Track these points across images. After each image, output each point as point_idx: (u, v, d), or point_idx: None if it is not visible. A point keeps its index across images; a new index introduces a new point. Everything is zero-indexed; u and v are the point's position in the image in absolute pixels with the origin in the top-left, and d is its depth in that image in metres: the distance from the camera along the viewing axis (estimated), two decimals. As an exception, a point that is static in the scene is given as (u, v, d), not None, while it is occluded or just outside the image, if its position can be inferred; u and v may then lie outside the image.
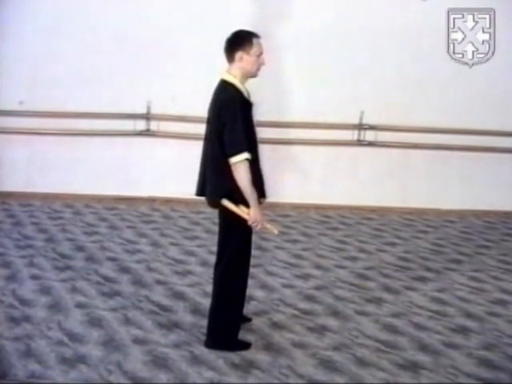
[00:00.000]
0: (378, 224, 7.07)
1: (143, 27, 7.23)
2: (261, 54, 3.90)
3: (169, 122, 7.45)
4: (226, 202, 3.83)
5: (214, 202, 3.98)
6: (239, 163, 3.75)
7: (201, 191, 4.03)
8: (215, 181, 3.90)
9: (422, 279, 5.41)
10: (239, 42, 3.86)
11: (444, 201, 7.61)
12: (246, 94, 3.91)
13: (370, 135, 7.51)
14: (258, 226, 3.85)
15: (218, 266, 4.06)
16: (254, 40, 3.87)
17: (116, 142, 7.52)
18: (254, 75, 3.94)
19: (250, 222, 3.83)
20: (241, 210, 3.83)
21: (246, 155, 3.74)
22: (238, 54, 3.84)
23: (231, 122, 3.76)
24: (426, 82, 7.37)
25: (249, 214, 3.81)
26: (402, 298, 4.99)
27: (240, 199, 3.83)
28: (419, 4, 7.21)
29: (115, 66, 7.37)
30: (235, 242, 3.96)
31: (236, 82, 3.87)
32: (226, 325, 4.01)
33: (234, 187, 3.81)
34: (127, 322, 4.35)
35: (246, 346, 4.05)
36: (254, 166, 3.91)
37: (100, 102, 7.33)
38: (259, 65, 3.91)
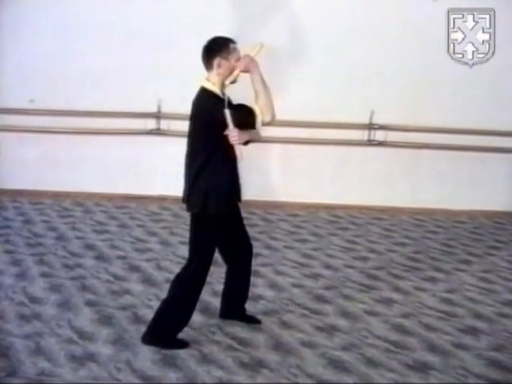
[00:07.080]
0: (388, 224, 7.05)
1: (154, 26, 7.22)
2: (239, 59, 3.83)
3: (179, 120, 7.42)
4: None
5: (192, 209, 3.94)
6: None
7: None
8: (192, 189, 3.88)
9: (432, 280, 5.40)
10: (216, 48, 3.81)
11: (454, 201, 7.58)
12: (226, 101, 3.83)
13: (380, 135, 7.48)
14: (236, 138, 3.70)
15: (184, 270, 3.99)
16: (231, 45, 3.82)
17: (126, 140, 7.53)
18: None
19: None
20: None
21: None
22: (216, 61, 3.79)
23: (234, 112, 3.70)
24: (429, 83, 7.34)
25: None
26: (412, 298, 4.98)
27: (213, 208, 3.81)
28: (419, 4, 7.19)
29: (126, 65, 7.37)
30: (203, 252, 3.92)
31: (216, 89, 3.82)
32: (170, 326, 3.98)
33: (208, 197, 3.79)
34: (137, 320, 4.36)
35: (183, 345, 4.01)
36: (234, 170, 3.91)
37: (111, 101, 7.34)
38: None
